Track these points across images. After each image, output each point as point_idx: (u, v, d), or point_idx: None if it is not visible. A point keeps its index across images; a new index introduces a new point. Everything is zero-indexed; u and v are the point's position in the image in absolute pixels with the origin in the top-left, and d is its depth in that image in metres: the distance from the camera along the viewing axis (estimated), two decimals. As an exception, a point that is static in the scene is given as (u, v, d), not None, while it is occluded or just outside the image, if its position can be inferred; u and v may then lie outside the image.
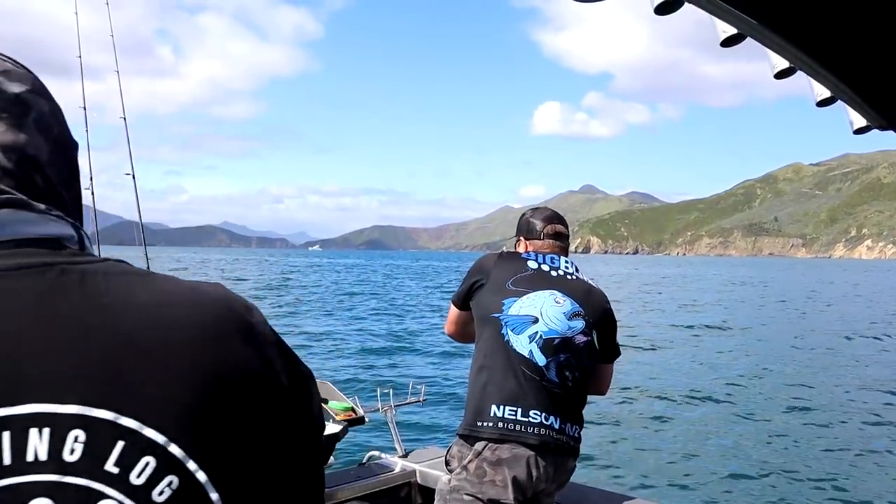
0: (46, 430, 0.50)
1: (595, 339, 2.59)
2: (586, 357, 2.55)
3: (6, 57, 0.69)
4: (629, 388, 11.37)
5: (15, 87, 0.66)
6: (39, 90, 0.69)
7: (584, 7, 1.28)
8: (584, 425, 2.59)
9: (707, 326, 21.83)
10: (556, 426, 2.42)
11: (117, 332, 0.56)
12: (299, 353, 0.68)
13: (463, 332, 2.86)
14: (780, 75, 1.19)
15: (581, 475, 3.03)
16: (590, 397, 2.79)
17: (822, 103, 1.21)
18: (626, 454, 7.71)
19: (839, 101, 1.20)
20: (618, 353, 2.76)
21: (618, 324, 2.77)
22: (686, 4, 1.22)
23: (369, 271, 78.67)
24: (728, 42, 1.23)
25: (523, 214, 2.94)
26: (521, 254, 2.73)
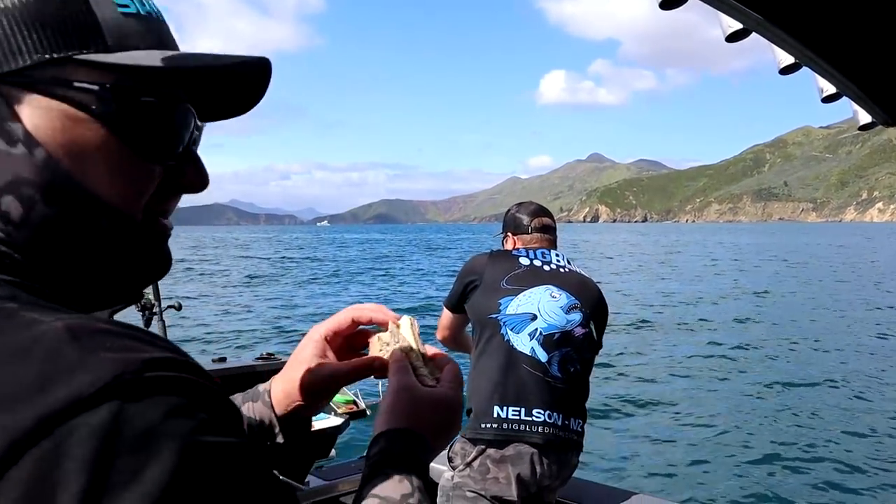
0: None
1: (593, 329, 2.58)
2: (586, 349, 2.54)
3: None
4: (642, 378, 11.33)
5: None
6: None
7: None
8: (588, 419, 2.58)
9: (720, 299, 21.71)
10: (560, 422, 2.41)
11: None
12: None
13: (455, 338, 2.83)
14: (785, 71, 1.19)
15: (584, 471, 3.03)
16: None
17: (827, 99, 1.20)
18: (629, 447, 7.64)
19: (844, 98, 1.19)
20: (599, 346, 2.71)
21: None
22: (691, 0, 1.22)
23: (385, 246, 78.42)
24: (733, 37, 1.22)
25: (508, 210, 2.91)
26: (511, 251, 2.70)
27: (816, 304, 20.45)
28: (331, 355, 0.86)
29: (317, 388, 0.84)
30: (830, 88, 1.19)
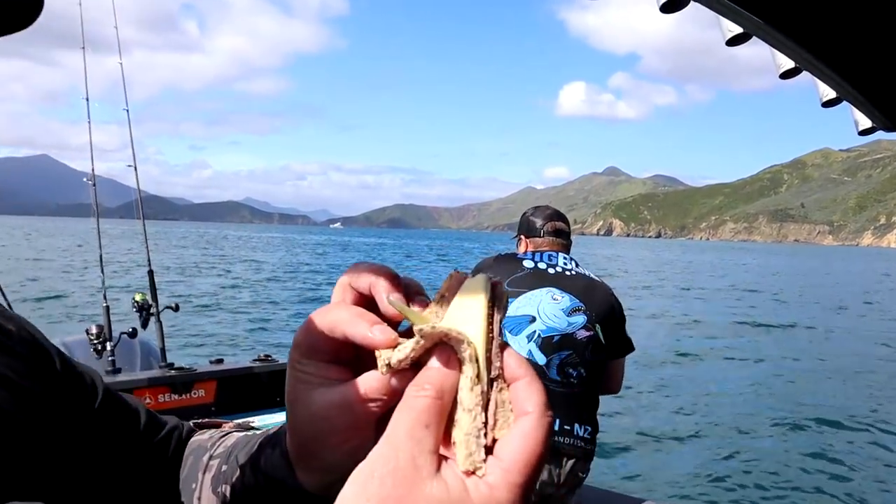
0: None
1: (599, 333, 2.53)
2: (590, 352, 2.50)
3: None
4: (666, 387, 11.27)
5: None
6: None
7: None
8: (609, 424, 2.53)
9: (756, 324, 21.59)
10: (556, 428, 2.38)
11: None
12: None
13: None
14: (786, 75, 1.17)
15: (603, 478, 2.99)
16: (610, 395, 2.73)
17: (828, 104, 1.19)
18: (651, 456, 7.59)
19: (844, 102, 1.18)
20: (629, 348, 2.67)
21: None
22: (692, 3, 1.21)
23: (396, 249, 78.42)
24: (733, 41, 1.21)
25: (525, 213, 2.91)
26: (517, 255, 2.71)
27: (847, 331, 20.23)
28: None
29: (331, 426, 0.49)
30: (830, 93, 1.18)
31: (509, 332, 2.47)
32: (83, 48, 4.93)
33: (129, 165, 5.35)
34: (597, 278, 2.68)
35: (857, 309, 26.39)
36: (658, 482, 6.81)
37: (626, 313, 2.69)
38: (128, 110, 5.24)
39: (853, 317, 23.35)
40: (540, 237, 2.78)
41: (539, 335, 2.44)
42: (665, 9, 1.20)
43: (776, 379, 12.22)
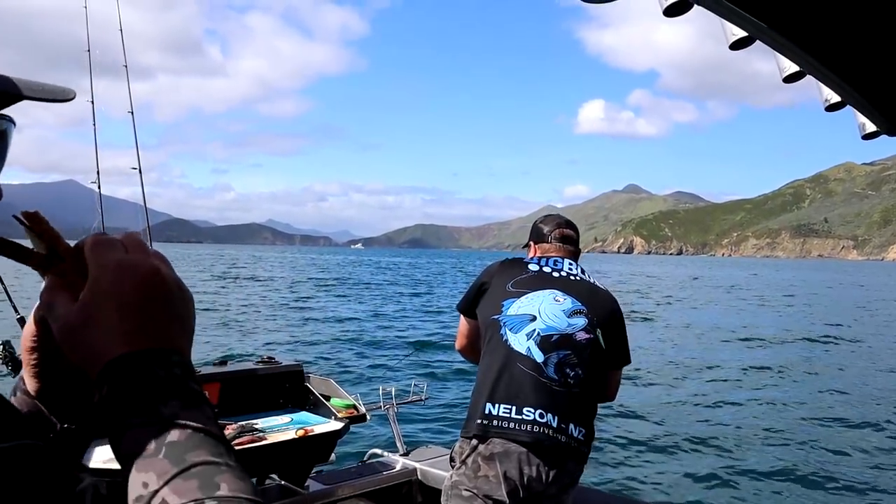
0: None
1: (600, 338, 2.55)
2: (590, 355, 2.51)
3: None
4: (675, 397, 11.20)
5: None
6: None
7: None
8: (607, 427, 2.56)
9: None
10: (554, 424, 2.39)
11: None
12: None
13: (473, 346, 2.81)
14: (789, 79, 1.20)
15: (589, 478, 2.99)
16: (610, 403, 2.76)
17: (831, 108, 1.21)
18: (653, 461, 7.56)
19: (848, 107, 1.20)
20: (626, 360, 2.68)
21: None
22: (696, 7, 1.24)
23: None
24: (737, 45, 1.24)
25: (536, 221, 2.97)
26: (523, 259, 2.76)
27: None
28: None
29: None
30: (834, 97, 1.20)
31: (510, 329, 2.50)
32: (90, 72, 4.98)
33: (134, 168, 5.30)
34: (601, 285, 2.70)
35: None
36: (653, 485, 6.79)
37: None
38: (132, 112, 5.24)
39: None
40: (547, 242, 2.82)
41: (538, 333, 2.47)
42: (669, 12, 1.23)
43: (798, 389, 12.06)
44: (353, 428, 3.42)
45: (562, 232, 2.83)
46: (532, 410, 2.39)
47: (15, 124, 0.68)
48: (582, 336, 2.51)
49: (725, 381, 13.05)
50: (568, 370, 2.46)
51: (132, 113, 5.27)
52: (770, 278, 78.04)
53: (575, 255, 2.83)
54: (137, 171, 5.36)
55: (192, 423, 0.50)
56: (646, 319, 23.50)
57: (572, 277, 2.66)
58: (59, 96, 0.67)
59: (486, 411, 2.42)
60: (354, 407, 3.47)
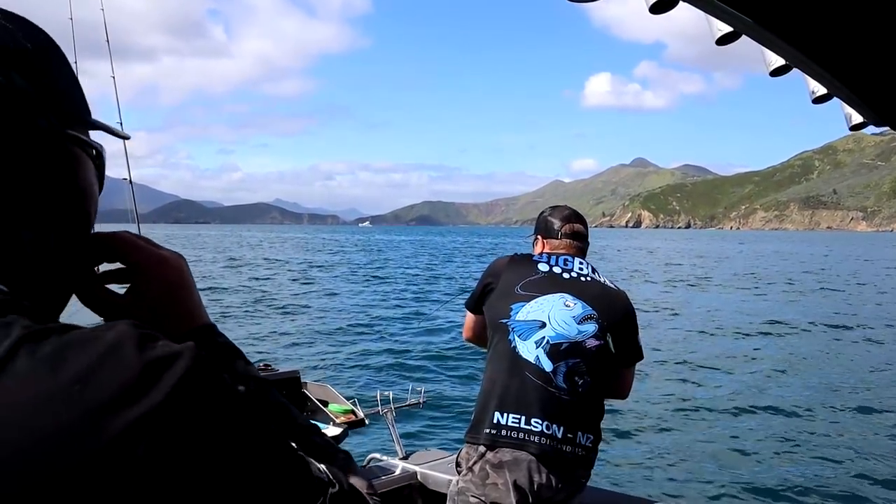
0: None
1: (610, 342, 2.52)
2: (599, 361, 2.48)
3: None
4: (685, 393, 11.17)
5: None
6: None
7: None
8: (614, 422, 2.52)
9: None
10: (560, 435, 2.38)
11: None
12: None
13: (480, 336, 2.77)
14: (776, 73, 1.20)
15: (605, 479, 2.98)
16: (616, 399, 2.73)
17: (818, 100, 1.21)
18: (654, 456, 7.52)
19: (835, 98, 1.20)
20: (639, 356, 2.65)
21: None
22: (681, 3, 1.24)
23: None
24: (723, 40, 1.24)
25: (542, 212, 2.89)
26: (532, 256, 2.68)
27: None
28: None
29: None
30: (821, 89, 1.20)
31: (519, 336, 2.45)
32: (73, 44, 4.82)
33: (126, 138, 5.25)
34: (612, 285, 2.64)
35: None
36: (660, 482, 6.76)
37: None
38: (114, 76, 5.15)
39: None
40: (557, 238, 2.73)
41: (548, 341, 2.42)
42: (654, 9, 1.23)
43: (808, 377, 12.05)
44: (351, 433, 3.44)
45: (572, 227, 2.75)
46: (539, 422, 2.37)
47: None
48: (592, 343, 2.47)
49: (737, 372, 12.99)
50: (577, 378, 2.43)
51: (114, 78, 5.10)
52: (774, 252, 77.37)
53: (584, 252, 2.77)
54: (121, 140, 5.24)
55: (259, 375, 0.71)
56: (655, 308, 23.42)
57: (583, 279, 2.59)
58: (120, 135, 0.74)
59: (495, 420, 2.40)
60: (352, 412, 3.49)
